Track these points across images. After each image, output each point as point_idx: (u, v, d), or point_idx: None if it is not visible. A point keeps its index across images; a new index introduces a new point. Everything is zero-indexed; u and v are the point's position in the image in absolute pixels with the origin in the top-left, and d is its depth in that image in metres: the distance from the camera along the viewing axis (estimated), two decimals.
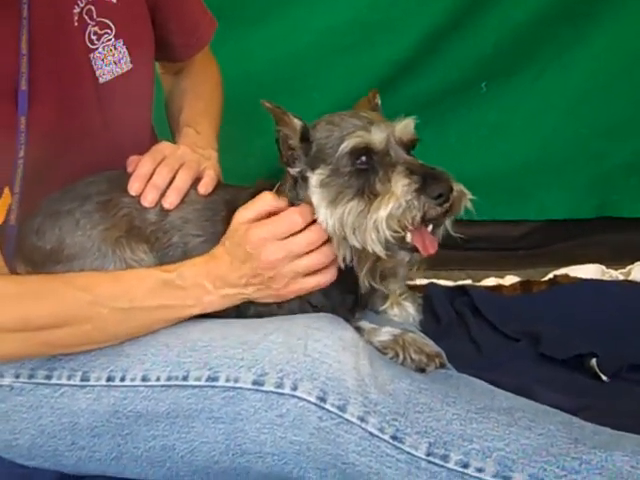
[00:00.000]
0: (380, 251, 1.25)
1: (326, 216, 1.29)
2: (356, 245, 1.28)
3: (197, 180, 1.48)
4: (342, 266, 1.34)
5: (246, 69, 2.28)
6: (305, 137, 1.33)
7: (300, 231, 1.32)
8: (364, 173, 1.27)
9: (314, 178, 1.31)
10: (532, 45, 2.35)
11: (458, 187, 1.25)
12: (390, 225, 1.23)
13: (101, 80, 1.50)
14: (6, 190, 1.36)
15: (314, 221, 1.32)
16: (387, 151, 1.28)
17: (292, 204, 1.35)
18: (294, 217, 1.32)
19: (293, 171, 1.35)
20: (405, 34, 2.29)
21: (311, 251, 1.32)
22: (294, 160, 1.34)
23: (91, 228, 1.41)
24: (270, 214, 1.34)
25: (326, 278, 1.35)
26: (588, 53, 2.36)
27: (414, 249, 1.26)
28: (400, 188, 1.23)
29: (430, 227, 1.27)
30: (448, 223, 1.30)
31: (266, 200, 1.35)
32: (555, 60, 2.37)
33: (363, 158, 1.28)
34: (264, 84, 2.30)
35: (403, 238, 1.25)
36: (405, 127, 1.31)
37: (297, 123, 1.32)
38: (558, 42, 2.35)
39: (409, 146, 1.31)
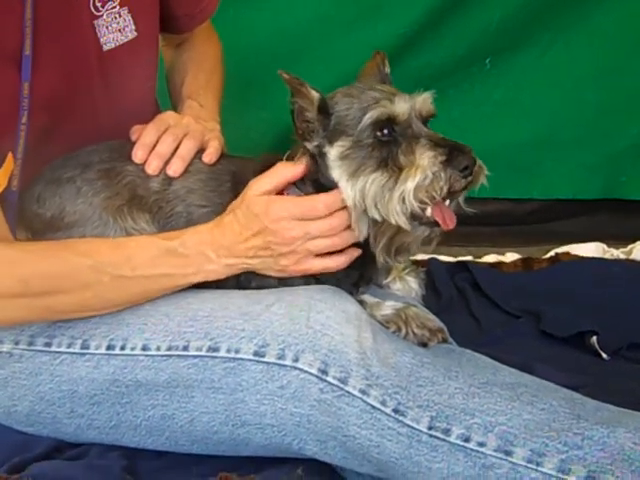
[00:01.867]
0: (404, 223, 1.25)
1: (347, 189, 1.28)
2: (376, 217, 1.27)
3: (201, 151, 1.47)
4: (361, 240, 1.32)
5: (248, 41, 2.26)
6: (323, 109, 1.30)
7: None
8: (386, 145, 1.26)
9: (333, 151, 1.29)
10: (538, 20, 2.31)
11: (479, 161, 1.25)
12: (417, 196, 1.23)
13: (105, 48, 1.49)
14: (9, 156, 1.35)
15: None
16: (409, 123, 1.27)
17: (319, 182, 1.33)
18: (317, 205, 1.30)
19: (310, 145, 1.32)
20: (410, 7, 2.27)
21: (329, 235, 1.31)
22: (310, 133, 1.31)
23: (92, 196, 1.40)
24: (287, 184, 1.33)
25: (336, 263, 1.34)
26: (596, 28, 2.32)
27: (435, 223, 1.26)
28: (427, 160, 1.23)
29: (447, 202, 1.27)
30: (461, 198, 1.30)
31: (282, 172, 1.33)
32: (561, 35, 2.34)
33: (385, 130, 1.26)
34: (266, 56, 2.26)
35: (424, 212, 1.25)
36: (424, 101, 1.30)
37: (315, 95, 1.29)
38: (565, 17, 2.32)
39: (427, 120, 1.31)
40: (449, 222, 1.26)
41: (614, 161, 2.43)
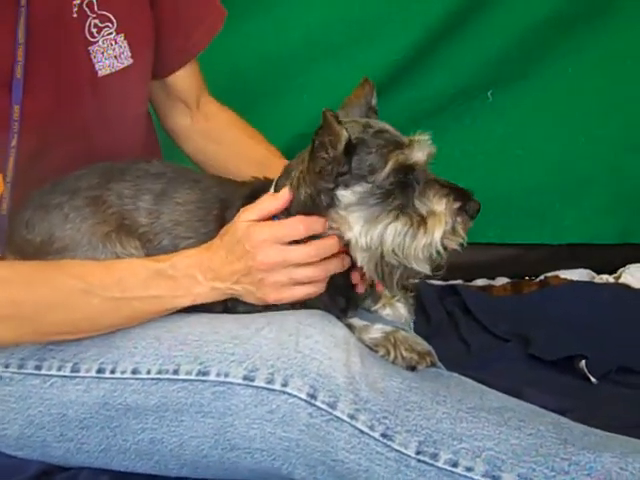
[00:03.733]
0: (425, 268, 1.28)
1: (361, 234, 1.28)
2: (392, 262, 1.28)
3: (194, 182, 1.46)
4: (376, 279, 1.34)
5: (232, 66, 2.16)
6: (348, 151, 1.27)
7: (302, 241, 1.31)
8: (403, 191, 1.28)
9: (349, 195, 1.28)
10: (543, 49, 2.18)
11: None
12: (444, 243, 1.27)
13: (100, 73, 1.49)
14: None
15: (316, 236, 1.31)
16: (423, 169, 1.29)
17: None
18: (297, 225, 1.31)
19: (325, 186, 1.29)
20: (403, 33, 2.14)
21: (309, 264, 1.32)
22: (329, 173, 1.28)
23: (80, 222, 1.40)
24: (272, 214, 1.33)
25: (316, 289, 1.34)
26: (608, 55, 2.17)
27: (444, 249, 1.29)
28: (444, 207, 1.27)
29: None
30: None
31: (267, 204, 1.34)
32: (568, 66, 2.20)
33: (401, 176, 1.28)
34: (251, 82, 2.19)
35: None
36: (428, 143, 1.31)
37: (345, 134, 1.26)
38: (572, 46, 2.17)
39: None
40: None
41: (632, 201, 2.26)
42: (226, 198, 1.43)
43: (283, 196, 1.33)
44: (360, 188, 1.28)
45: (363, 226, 1.28)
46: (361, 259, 1.31)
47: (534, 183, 2.27)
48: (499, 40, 2.16)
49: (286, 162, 1.56)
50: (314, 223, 1.31)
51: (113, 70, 1.51)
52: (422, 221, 1.27)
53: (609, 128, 2.22)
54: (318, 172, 1.29)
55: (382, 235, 1.27)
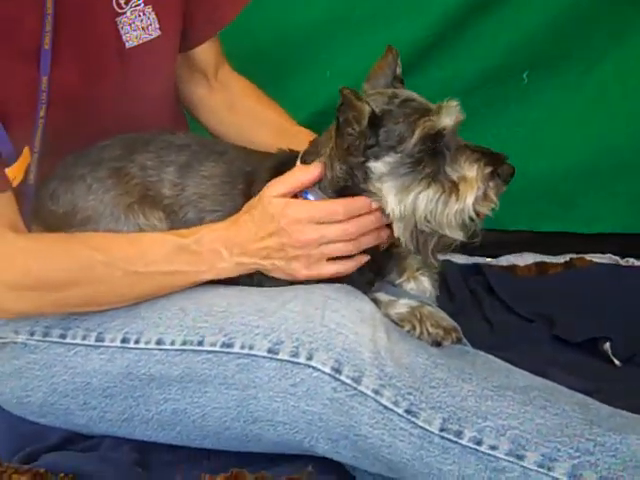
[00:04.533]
0: (459, 234, 1.27)
1: (395, 204, 1.27)
2: (425, 229, 1.28)
3: (219, 154, 1.46)
4: (411, 248, 1.32)
5: (255, 41, 2.11)
6: (373, 123, 1.26)
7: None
8: (433, 158, 1.27)
9: (380, 167, 1.28)
10: (585, 30, 2.06)
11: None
12: (477, 209, 1.26)
13: (128, 45, 1.48)
14: (25, 149, 1.36)
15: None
16: (453, 135, 1.28)
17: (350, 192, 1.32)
18: (337, 210, 1.30)
19: (355, 160, 1.29)
20: (432, 8, 2.05)
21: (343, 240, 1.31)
22: (357, 148, 1.28)
23: (103, 193, 1.40)
24: (302, 188, 1.32)
25: (347, 267, 1.34)
26: None
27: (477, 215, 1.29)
28: (476, 172, 1.26)
29: None
30: None
31: (298, 176, 1.33)
32: (611, 49, 2.08)
33: (432, 143, 1.26)
34: (274, 58, 2.14)
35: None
36: (457, 109, 1.30)
37: (367, 108, 1.25)
38: (616, 27, 2.05)
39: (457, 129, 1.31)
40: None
41: None
42: (252, 171, 1.42)
43: (315, 170, 1.32)
44: (390, 159, 1.27)
45: (396, 195, 1.27)
46: (397, 229, 1.30)
47: (568, 170, 2.19)
48: (538, 17, 2.06)
49: (303, 130, 1.58)
50: (355, 206, 1.30)
51: (141, 42, 1.49)
52: (454, 187, 1.26)
53: None
54: (346, 148, 1.29)
55: (414, 203, 1.26)
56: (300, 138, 1.49)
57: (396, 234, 1.31)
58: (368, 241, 1.33)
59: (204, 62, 1.73)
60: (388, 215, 1.29)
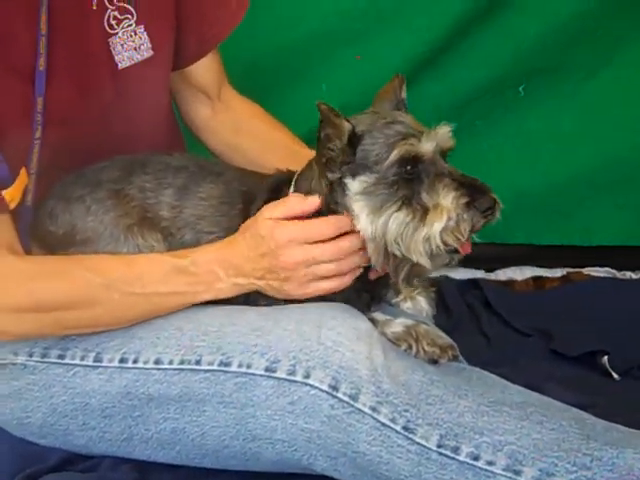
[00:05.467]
0: (426, 262, 1.26)
1: (367, 224, 1.28)
2: (396, 253, 1.27)
3: (216, 175, 1.46)
4: (379, 270, 1.33)
5: (250, 56, 2.08)
6: (352, 142, 1.28)
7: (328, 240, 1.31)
8: (409, 182, 1.26)
9: (356, 185, 1.29)
10: (581, 41, 2.05)
11: (497, 198, 1.25)
12: (444, 239, 1.24)
13: (120, 66, 1.48)
14: (22, 171, 1.37)
15: (345, 233, 1.31)
16: (433, 161, 1.27)
17: (329, 208, 1.33)
18: (325, 228, 1.31)
19: (332, 176, 1.31)
20: (428, 22, 2.03)
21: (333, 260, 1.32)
22: (334, 163, 1.30)
23: (103, 214, 1.41)
24: (297, 217, 1.33)
25: (341, 283, 1.35)
26: None
27: (454, 251, 1.27)
28: (450, 201, 1.23)
29: None
30: None
31: (295, 205, 1.33)
32: (608, 59, 2.07)
33: (410, 168, 1.26)
34: (269, 72, 2.12)
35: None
36: (444, 135, 1.29)
37: (347, 126, 1.27)
38: (609, 39, 2.04)
39: (446, 154, 1.31)
40: (467, 248, 1.27)
41: None
42: (249, 191, 1.43)
43: (313, 202, 1.33)
44: (366, 178, 1.28)
45: (368, 215, 1.28)
46: (369, 249, 1.30)
47: (564, 181, 2.18)
48: (533, 29, 2.05)
49: (310, 151, 1.56)
50: (341, 223, 1.31)
51: (133, 62, 1.50)
52: (425, 213, 1.25)
53: None
54: (325, 163, 1.30)
55: (386, 225, 1.26)
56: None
57: (369, 254, 1.31)
58: (359, 259, 1.34)
59: (205, 81, 1.74)
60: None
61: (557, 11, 2.03)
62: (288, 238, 1.30)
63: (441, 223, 1.23)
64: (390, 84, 1.40)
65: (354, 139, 1.27)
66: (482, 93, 2.13)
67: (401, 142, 1.26)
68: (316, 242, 1.31)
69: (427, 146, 1.27)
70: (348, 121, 1.27)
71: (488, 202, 1.23)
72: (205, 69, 1.72)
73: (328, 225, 1.31)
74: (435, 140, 1.28)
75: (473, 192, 1.24)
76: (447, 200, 1.24)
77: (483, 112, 2.14)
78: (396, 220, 1.25)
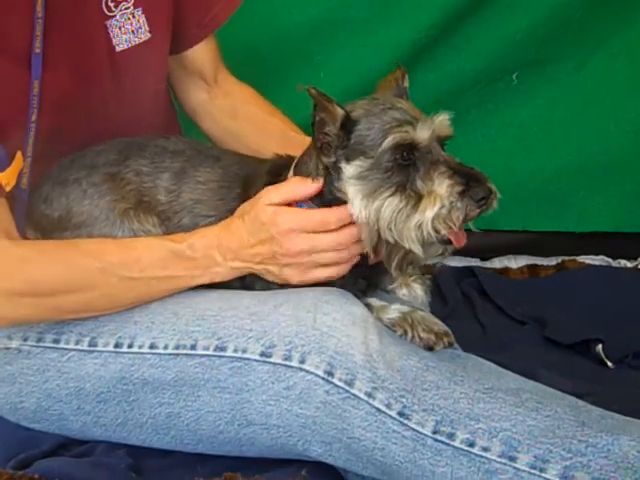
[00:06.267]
0: (418, 249, 1.26)
1: (361, 208, 1.27)
2: (389, 239, 1.27)
3: (214, 160, 1.46)
4: (372, 256, 1.33)
5: (249, 43, 2.09)
6: (345, 126, 1.28)
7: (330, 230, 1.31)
8: (405, 169, 1.26)
9: (350, 169, 1.29)
10: (573, 29, 2.05)
11: (494, 189, 1.25)
12: (435, 226, 1.24)
13: (118, 49, 1.49)
14: (18, 154, 1.36)
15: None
16: (429, 149, 1.27)
17: (331, 191, 1.32)
18: (328, 218, 1.31)
19: (327, 160, 1.30)
20: (424, 10, 2.04)
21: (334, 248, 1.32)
22: (328, 148, 1.30)
23: (99, 198, 1.41)
24: (297, 200, 1.33)
25: (340, 271, 1.35)
26: (638, 39, 2.05)
27: (447, 242, 1.27)
28: (444, 189, 1.23)
29: None
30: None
31: (295, 189, 1.33)
32: (600, 47, 2.08)
33: (405, 154, 1.26)
34: (268, 59, 2.13)
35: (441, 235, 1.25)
36: (442, 123, 1.29)
37: (340, 111, 1.27)
38: (604, 26, 2.06)
39: (444, 142, 1.30)
40: (462, 240, 1.27)
41: None
42: (248, 176, 1.43)
43: (313, 185, 1.33)
44: (361, 162, 1.28)
45: (362, 200, 1.28)
46: (363, 235, 1.30)
47: (558, 169, 2.19)
48: (526, 19, 2.06)
49: (309, 138, 1.56)
50: (343, 215, 1.31)
51: (130, 45, 1.50)
52: (418, 200, 1.25)
53: (638, 112, 2.14)
54: (319, 147, 1.30)
55: (379, 210, 1.26)
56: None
57: (364, 241, 1.31)
58: (359, 248, 1.33)
59: (200, 64, 1.73)
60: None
61: (548, 2, 2.04)
62: (290, 226, 1.30)
63: (433, 210, 1.23)
64: (392, 74, 1.40)
65: (348, 124, 1.27)
66: (476, 82, 2.13)
67: (396, 129, 1.26)
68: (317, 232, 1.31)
69: (423, 133, 1.27)
70: (341, 107, 1.27)
71: (483, 191, 1.23)
72: (202, 54, 1.72)
73: (330, 216, 1.31)
74: (432, 128, 1.27)
75: (469, 181, 1.23)
76: (441, 188, 1.24)
77: (477, 101, 2.15)
78: (389, 206, 1.25)
